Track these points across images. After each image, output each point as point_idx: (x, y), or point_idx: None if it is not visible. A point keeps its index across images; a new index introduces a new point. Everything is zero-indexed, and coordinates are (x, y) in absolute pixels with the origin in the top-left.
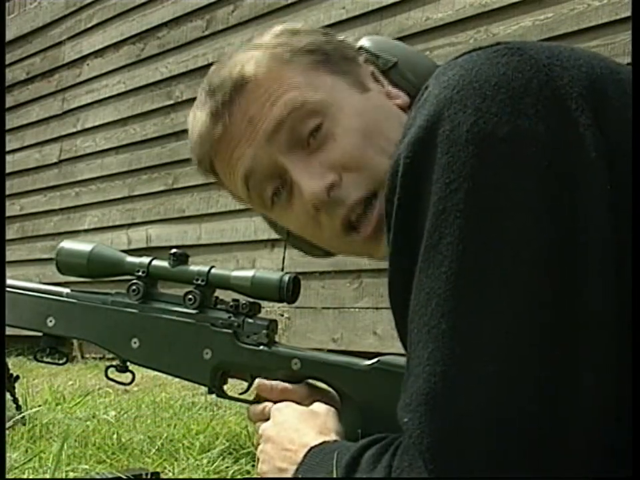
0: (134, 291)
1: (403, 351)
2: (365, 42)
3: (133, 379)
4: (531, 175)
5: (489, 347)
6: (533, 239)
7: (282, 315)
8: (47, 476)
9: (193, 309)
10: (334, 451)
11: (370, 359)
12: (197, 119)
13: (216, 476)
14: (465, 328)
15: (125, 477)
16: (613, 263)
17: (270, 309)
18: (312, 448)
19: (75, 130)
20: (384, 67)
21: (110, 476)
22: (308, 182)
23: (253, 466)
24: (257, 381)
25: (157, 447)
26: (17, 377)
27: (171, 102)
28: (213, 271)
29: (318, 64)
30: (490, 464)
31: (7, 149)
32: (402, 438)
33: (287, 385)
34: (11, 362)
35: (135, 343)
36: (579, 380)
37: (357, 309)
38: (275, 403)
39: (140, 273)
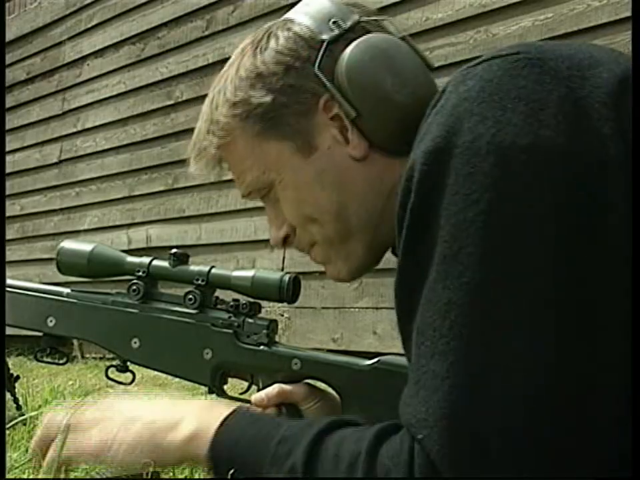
0: (134, 290)
1: (403, 351)
2: (339, 78)
3: (133, 379)
4: (553, 186)
5: (514, 360)
6: (556, 249)
7: (282, 315)
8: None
9: (193, 309)
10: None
11: (370, 358)
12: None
13: None
14: (489, 340)
15: (124, 477)
16: (631, 272)
17: (270, 309)
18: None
19: (75, 130)
20: (348, 118)
21: (110, 476)
22: (271, 229)
23: None
24: (252, 398)
25: None
26: (17, 377)
27: (171, 102)
28: (213, 270)
29: (266, 130)
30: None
31: (7, 149)
32: (400, 447)
33: (284, 386)
34: (11, 362)
35: (135, 342)
36: (607, 395)
37: (356, 309)
38: (278, 406)
39: (140, 273)
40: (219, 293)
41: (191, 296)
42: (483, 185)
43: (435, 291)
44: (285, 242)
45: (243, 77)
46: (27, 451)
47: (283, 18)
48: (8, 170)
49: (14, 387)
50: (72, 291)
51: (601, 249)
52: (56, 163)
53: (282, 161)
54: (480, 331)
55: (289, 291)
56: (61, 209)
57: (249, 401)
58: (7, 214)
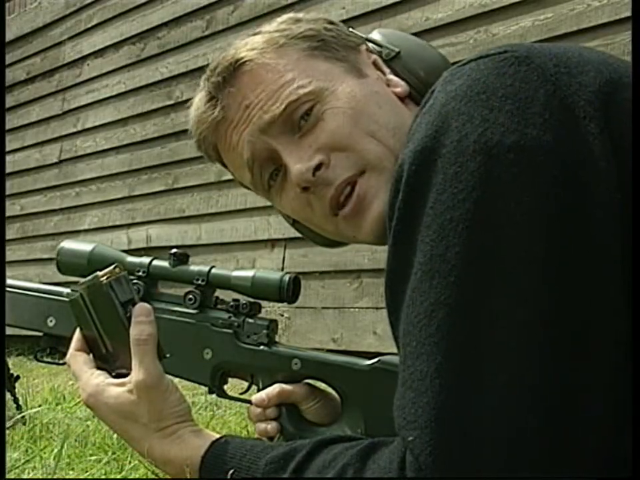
0: (134, 290)
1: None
2: (374, 34)
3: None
4: (540, 184)
5: (502, 360)
6: (543, 248)
7: (282, 315)
8: (47, 476)
9: (193, 308)
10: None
11: (370, 358)
12: (195, 104)
13: None
14: (477, 340)
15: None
16: (621, 272)
17: (270, 309)
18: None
19: (75, 130)
20: (387, 57)
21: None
22: (295, 164)
23: None
24: (253, 398)
25: None
26: (17, 377)
27: (171, 102)
28: (213, 270)
29: (314, 50)
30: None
31: (7, 149)
32: (389, 452)
33: (284, 386)
34: (11, 362)
35: None
36: (593, 391)
37: (356, 309)
38: (278, 406)
39: (140, 273)
40: (219, 293)
41: (191, 296)
42: (470, 184)
43: (420, 291)
44: (316, 172)
45: (281, 21)
46: (27, 451)
47: None
48: (8, 170)
49: (14, 387)
50: (72, 290)
51: (588, 246)
52: (56, 163)
53: (333, 75)
54: (468, 331)
55: (288, 291)
56: (61, 209)
57: (249, 401)
58: (7, 214)
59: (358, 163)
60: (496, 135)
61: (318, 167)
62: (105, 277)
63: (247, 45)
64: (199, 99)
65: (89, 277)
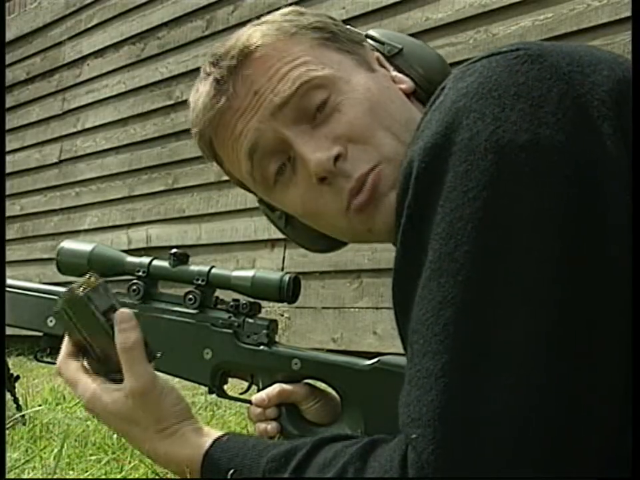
0: (134, 291)
1: (403, 351)
2: (370, 32)
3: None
4: (552, 184)
5: (508, 359)
6: (553, 249)
7: (282, 315)
8: (47, 476)
9: (193, 309)
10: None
11: (370, 359)
12: (199, 90)
13: None
14: (483, 339)
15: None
16: (629, 272)
17: (270, 309)
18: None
19: (75, 130)
20: (389, 54)
21: None
22: (314, 153)
23: None
24: (253, 398)
25: None
26: (17, 377)
27: (171, 102)
28: (213, 270)
29: (325, 40)
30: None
31: (7, 149)
32: (394, 450)
33: (284, 386)
34: (11, 362)
35: None
36: (598, 391)
37: (356, 309)
38: (278, 406)
39: (140, 273)
40: (219, 293)
41: (191, 296)
42: (481, 182)
43: (429, 289)
44: (336, 161)
45: (285, 12)
46: (27, 451)
47: None
48: (8, 170)
49: (14, 387)
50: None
51: (600, 247)
52: (56, 163)
53: (346, 66)
54: (474, 330)
55: (288, 291)
56: (61, 209)
57: (249, 401)
58: (7, 214)
59: (375, 157)
60: (508, 133)
61: (337, 157)
62: (81, 289)
63: (256, 32)
64: (202, 86)
65: (66, 290)
